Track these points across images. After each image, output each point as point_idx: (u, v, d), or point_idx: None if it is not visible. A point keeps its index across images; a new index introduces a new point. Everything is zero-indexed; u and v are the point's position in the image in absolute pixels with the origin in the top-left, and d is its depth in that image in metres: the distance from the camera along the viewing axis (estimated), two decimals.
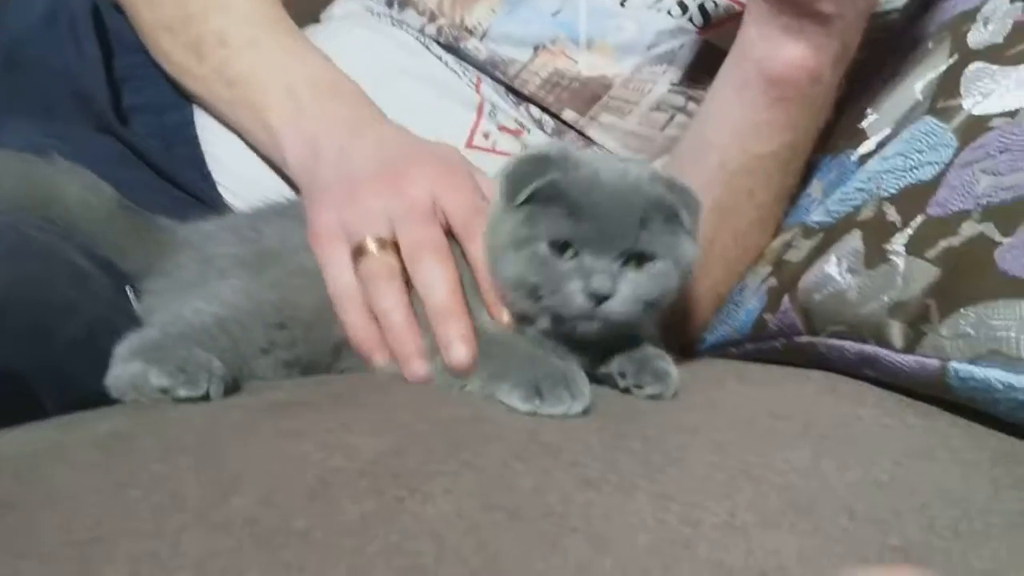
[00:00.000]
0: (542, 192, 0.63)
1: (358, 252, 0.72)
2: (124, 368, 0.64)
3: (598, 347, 0.66)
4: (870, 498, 0.47)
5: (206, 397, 0.61)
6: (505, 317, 0.68)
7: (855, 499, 0.47)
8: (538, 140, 0.96)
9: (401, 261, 0.71)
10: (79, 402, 0.64)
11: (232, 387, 0.65)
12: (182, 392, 0.61)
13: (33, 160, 0.76)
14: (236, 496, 0.43)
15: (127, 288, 0.74)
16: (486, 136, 0.95)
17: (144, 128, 0.92)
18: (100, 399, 0.64)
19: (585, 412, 0.58)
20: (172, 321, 0.68)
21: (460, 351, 0.66)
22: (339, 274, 0.72)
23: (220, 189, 0.91)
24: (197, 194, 0.89)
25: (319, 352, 0.72)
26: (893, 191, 0.67)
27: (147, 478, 0.45)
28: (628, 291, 0.62)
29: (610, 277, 0.61)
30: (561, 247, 0.62)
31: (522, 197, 0.63)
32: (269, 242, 0.75)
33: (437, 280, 0.69)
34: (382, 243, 0.72)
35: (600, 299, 0.61)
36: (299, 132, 0.83)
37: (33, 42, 0.92)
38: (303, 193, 0.82)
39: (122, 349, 0.65)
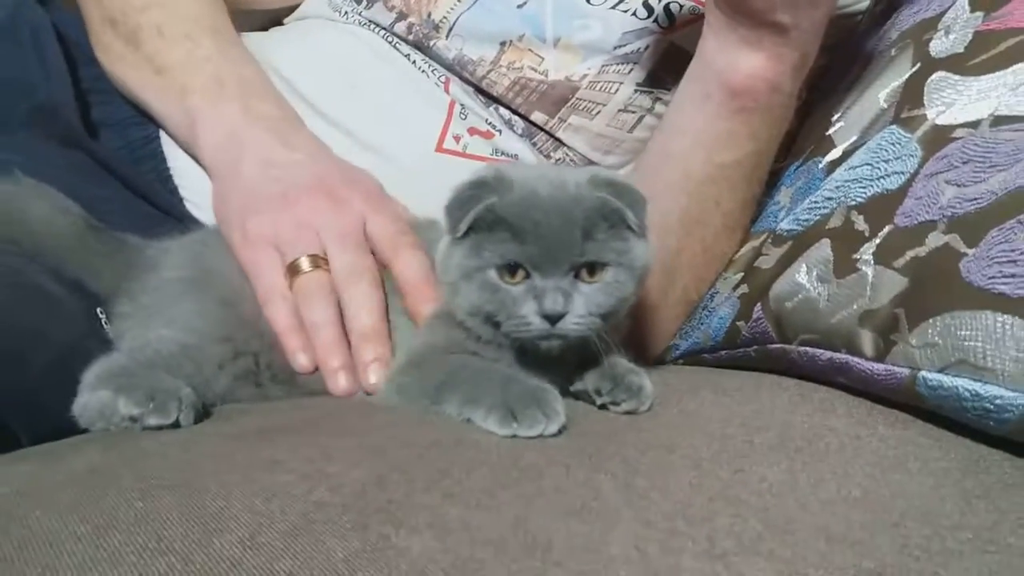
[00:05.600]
0: (483, 219, 0.63)
1: (292, 268, 0.75)
2: (92, 396, 0.64)
3: (570, 364, 0.66)
4: (845, 516, 0.48)
5: (176, 425, 0.61)
6: (420, 319, 0.72)
7: (830, 518, 0.47)
8: (508, 143, 0.96)
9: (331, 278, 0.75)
10: (53, 431, 0.64)
11: (202, 413, 0.65)
12: (152, 420, 0.61)
13: None
14: (219, 536, 0.43)
15: (97, 311, 0.74)
16: (456, 139, 0.95)
17: (112, 143, 0.91)
18: (75, 427, 0.64)
19: (561, 431, 0.59)
20: (139, 348, 0.68)
21: (379, 375, 0.72)
22: (272, 276, 0.75)
23: (187, 204, 0.90)
24: (166, 208, 0.89)
25: (259, 367, 0.73)
26: (861, 200, 0.68)
27: (129, 518, 0.44)
28: (581, 305, 0.62)
29: (562, 295, 0.62)
30: (511, 270, 0.63)
31: (463, 227, 0.63)
32: (211, 260, 0.76)
33: (366, 305, 0.74)
34: (315, 261, 0.75)
35: (555, 318, 0.62)
36: (219, 118, 0.84)
37: None
38: (217, 182, 0.83)
39: (90, 376, 0.65)
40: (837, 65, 0.83)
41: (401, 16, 0.97)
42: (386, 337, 0.73)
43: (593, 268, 0.63)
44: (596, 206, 0.63)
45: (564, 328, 0.62)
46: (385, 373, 0.71)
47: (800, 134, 0.83)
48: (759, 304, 0.74)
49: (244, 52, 0.92)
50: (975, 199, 0.59)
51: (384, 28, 0.98)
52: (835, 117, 0.77)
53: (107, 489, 0.48)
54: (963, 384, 0.56)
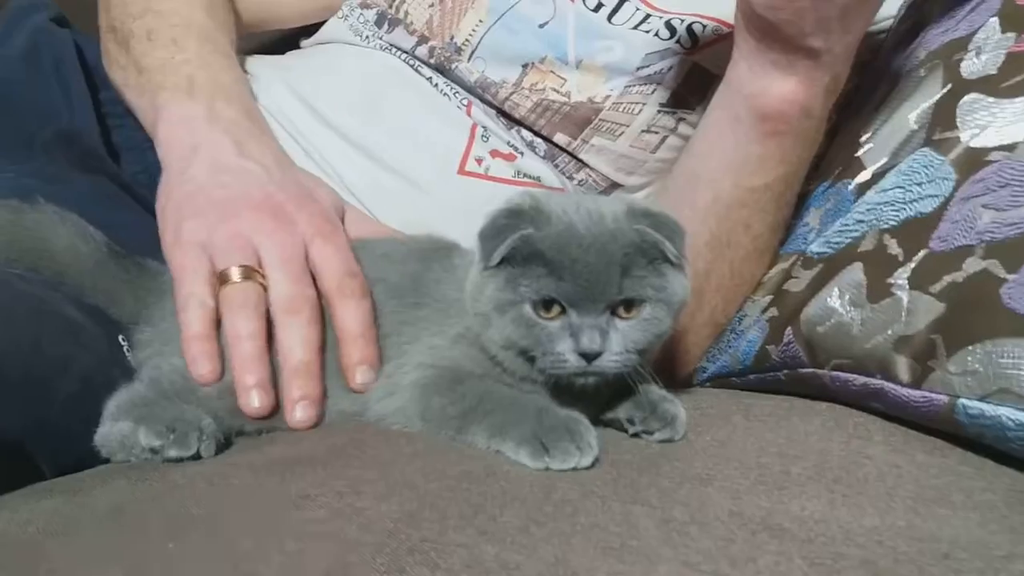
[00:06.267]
0: (518, 250, 0.62)
1: (222, 277, 0.71)
2: (113, 427, 0.63)
3: (604, 395, 0.65)
4: (892, 549, 0.46)
5: (197, 456, 0.61)
6: (356, 384, 0.69)
7: (877, 551, 0.46)
8: (530, 165, 0.95)
9: (264, 291, 0.70)
10: (77, 461, 0.64)
11: (225, 443, 0.64)
12: (172, 452, 0.61)
13: (20, 208, 0.75)
14: None
15: (119, 338, 0.73)
16: (479, 161, 0.95)
17: (131, 167, 0.91)
18: (99, 455, 0.64)
19: (594, 463, 0.57)
20: (156, 378, 0.68)
21: (306, 413, 0.68)
22: (195, 283, 0.70)
23: None
24: None
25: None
26: (894, 223, 0.67)
27: (160, 561, 0.44)
28: (618, 343, 0.61)
29: (599, 333, 0.60)
30: (546, 306, 0.61)
31: (496, 258, 0.61)
32: None
33: (302, 340, 0.69)
34: (247, 272, 0.71)
35: (592, 356, 0.60)
36: (181, 115, 0.82)
37: (13, 81, 0.91)
38: (164, 176, 0.80)
39: (111, 406, 0.65)
40: (863, 84, 0.82)
41: (423, 39, 0.96)
42: (318, 375, 0.69)
43: (630, 304, 0.62)
44: (634, 240, 0.62)
45: (601, 366, 0.61)
46: (315, 414, 0.68)
47: (828, 155, 0.82)
48: (790, 328, 0.73)
49: (228, 61, 0.91)
50: (1015, 224, 0.58)
51: (405, 52, 0.97)
52: (864, 138, 0.76)
53: (135, 529, 0.47)
54: (1006, 413, 0.55)
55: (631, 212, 0.63)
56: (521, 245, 0.61)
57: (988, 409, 0.56)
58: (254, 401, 0.67)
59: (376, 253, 0.76)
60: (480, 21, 0.94)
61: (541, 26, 0.94)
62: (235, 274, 0.70)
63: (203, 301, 0.70)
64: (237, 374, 0.67)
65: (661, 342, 0.65)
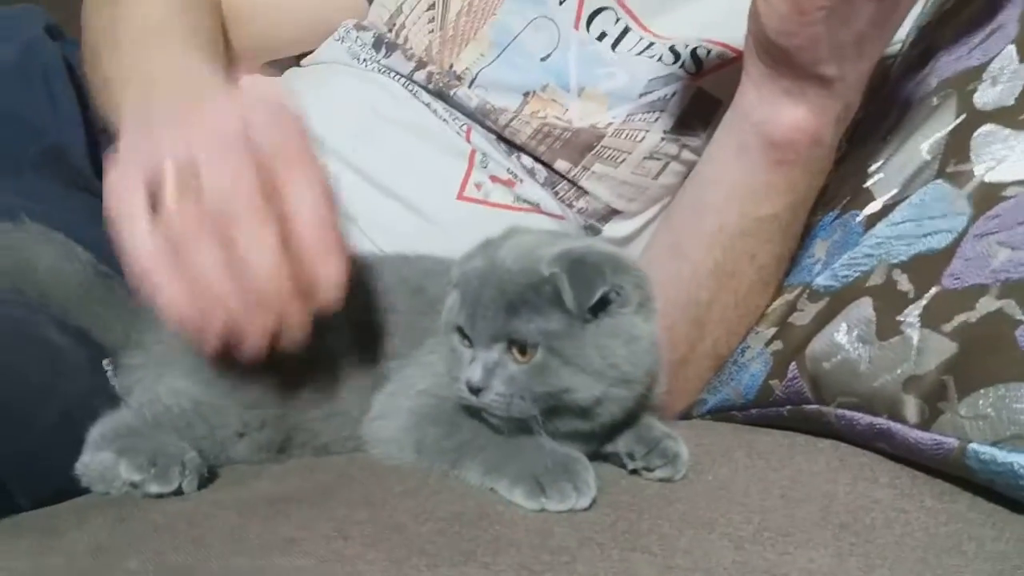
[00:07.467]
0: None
1: (157, 206, 0.56)
2: (94, 457, 0.61)
3: (604, 430, 0.63)
4: None
5: (179, 491, 0.59)
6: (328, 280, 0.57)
7: None
8: (529, 191, 0.93)
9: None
10: (55, 492, 0.61)
11: (210, 476, 0.62)
12: (153, 488, 0.59)
13: (2, 227, 0.73)
14: None
15: (104, 363, 0.71)
16: (478, 187, 0.93)
17: None
18: (76, 485, 0.61)
19: (592, 504, 0.55)
20: (149, 404, 0.65)
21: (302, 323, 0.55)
22: (135, 231, 0.56)
23: None
24: None
25: (289, 436, 0.67)
26: (904, 258, 0.65)
27: None
28: (500, 383, 0.58)
29: (482, 368, 0.58)
30: (460, 332, 0.61)
31: (448, 283, 0.63)
32: None
33: (261, 245, 0.54)
34: (183, 186, 0.55)
35: (476, 389, 0.58)
36: (136, 109, 0.69)
37: (1, 95, 0.89)
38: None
39: (94, 435, 0.63)
40: (872, 113, 0.80)
41: (421, 64, 0.95)
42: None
43: (524, 347, 0.58)
44: (532, 282, 0.58)
45: (483, 402, 0.59)
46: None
47: (834, 183, 0.80)
48: (794, 362, 0.70)
49: (193, 54, 0.79)
50: None
51: (403, 76, 0.96)
52: (873, 168, 0.74)
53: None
54: (1019, 460, 0.53)
55: (559, 257, 0.59)
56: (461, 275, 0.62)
57: (1000, 455, 0.54)
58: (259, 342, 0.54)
59: (421, 267, 0.74)
60: (481, 55, 0.93)
61: (543, 59, 0.92)
62: (168, 193, 0.55)
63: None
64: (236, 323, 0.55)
65: (578, 401, 0.59)
